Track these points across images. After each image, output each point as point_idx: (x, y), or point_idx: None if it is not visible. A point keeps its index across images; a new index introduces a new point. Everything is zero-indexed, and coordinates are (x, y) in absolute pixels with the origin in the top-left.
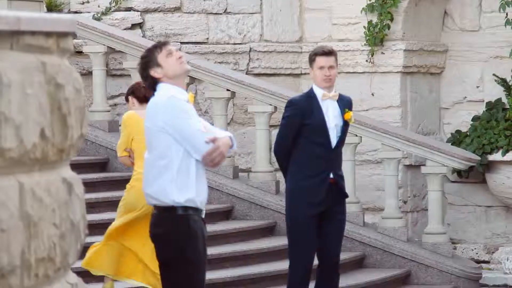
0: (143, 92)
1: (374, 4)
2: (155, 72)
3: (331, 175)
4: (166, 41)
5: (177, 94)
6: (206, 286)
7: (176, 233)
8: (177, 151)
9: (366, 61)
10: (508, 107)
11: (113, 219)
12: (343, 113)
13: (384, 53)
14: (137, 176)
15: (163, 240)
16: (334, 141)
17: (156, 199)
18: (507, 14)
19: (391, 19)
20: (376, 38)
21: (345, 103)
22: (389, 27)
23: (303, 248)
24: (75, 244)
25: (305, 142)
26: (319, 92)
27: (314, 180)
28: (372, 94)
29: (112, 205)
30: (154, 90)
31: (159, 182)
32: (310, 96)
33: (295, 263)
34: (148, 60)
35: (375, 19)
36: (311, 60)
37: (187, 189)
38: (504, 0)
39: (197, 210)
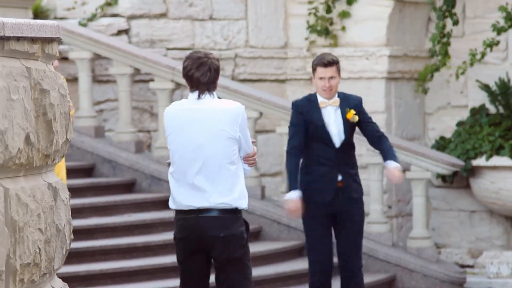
0: None
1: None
2: None
3: (339, 178)
4: None
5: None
6: None
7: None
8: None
9: (306, 50)
10: (492, 112)
11: (99, 225)
12: (345, 113)
13: (368, 59)
14: None
15: (238, 239)
16: (337, 143)
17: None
18: (433, 3)
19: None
20: (320, 26)
21: (349, 104)
22: (330, 9)
23: (314, 249)
24: (61, 249)
25: (311, 144)
26: (319, 99)
27: (320, 182)
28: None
29: (98, 210)
30: None
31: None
32: (310, 100)
33: (310, 264)
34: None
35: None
36: (313, 69)
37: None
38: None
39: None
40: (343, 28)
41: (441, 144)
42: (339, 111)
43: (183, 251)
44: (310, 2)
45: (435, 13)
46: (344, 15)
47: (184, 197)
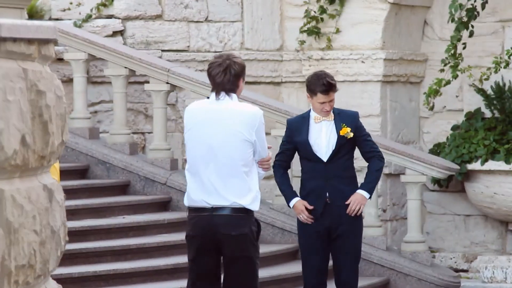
0: None
1: None
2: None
3: (327, 194)
4: None
5: None
6: None
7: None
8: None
9: (296, 50)
10: (487, 116)
11: (93, 226)
12: (339, 128)
13: (364, 62)
14: None
15: (249, 238)
16: (325, 158)
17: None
18: (454, 14)
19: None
20: (311, 28)
21: (344, 119)
22: (324, 11)
23: (306, 263)
24: (56, 251)
25: (303, 159)
26: (313, 115)
27: (311, 197)
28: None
29: (92, 212)
30: None
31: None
32: (304, 117)
33: (304, 277)
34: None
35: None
36: (311, 90)
37: None
38: (457, 2)
39: None
40: (337, 31)
41: (436, 149)
42: (333, 125)
43: (195, 249)
44: (305, 2)
45: (454, 23)
46: (339, 17)
47: (198, 194)
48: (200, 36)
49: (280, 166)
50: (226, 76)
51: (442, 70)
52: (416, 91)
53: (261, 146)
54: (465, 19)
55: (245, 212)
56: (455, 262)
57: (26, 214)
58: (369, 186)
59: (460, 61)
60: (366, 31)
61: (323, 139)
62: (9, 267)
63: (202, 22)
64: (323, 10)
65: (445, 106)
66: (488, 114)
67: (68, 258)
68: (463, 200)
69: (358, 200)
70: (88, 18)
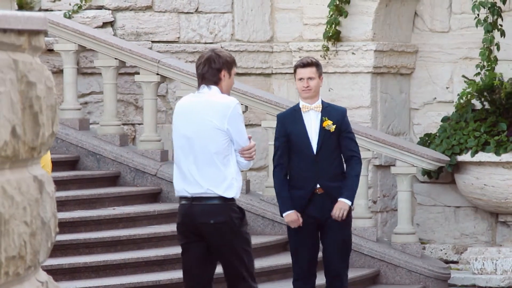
0: None
1: (332, 1)
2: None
3: (318, 185)
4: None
5: None
6: (173, 285)
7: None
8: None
9: (320, 56)
10: (477, 108)
11: (83, 218)
12: (323, 121)
13: (354, 53)
14: None
15: (229, 226)
16: (315, 149)
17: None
18: (478, 14)
19: (345, 15)
20: (328, 33)
21: (330, 113)
22: (338, 23)
23: (295, 254)
24: (46, 242)
25: (293, 154)
26: (301, 103)
27: (300, 191)
28: (329, 90)
29: (82, 203)
30: None
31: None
32: (295, 110)
33: (293, 268)
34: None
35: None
36: (294, 72)
37: None
38: (477, 1)
39: None
40: (337, 21)
41: (426, 140)
42: (319, 118)
43: (181, 235)
44: None
45: (481, 25)
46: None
47: (179, 184)
48: (190, 28)
49: (281, 170)
50: (205, 68)
51: (478, 74)
52: (406, 83)
53: (238, 135)
54: (490, 18)
55: (222, 201)
56: (445, 254)
57: (16, 205)
58: (350, 194)
59: (494, 65)
60: (357, 22)
61: (312, 130)
62: (0, 258)
63: (192, 13)
64: (344, 12)
65: (435, 98)
66: (478, 105)
67: (59, 250)
68: (453, 192)
69: (341, 207)
70: (78, 9)
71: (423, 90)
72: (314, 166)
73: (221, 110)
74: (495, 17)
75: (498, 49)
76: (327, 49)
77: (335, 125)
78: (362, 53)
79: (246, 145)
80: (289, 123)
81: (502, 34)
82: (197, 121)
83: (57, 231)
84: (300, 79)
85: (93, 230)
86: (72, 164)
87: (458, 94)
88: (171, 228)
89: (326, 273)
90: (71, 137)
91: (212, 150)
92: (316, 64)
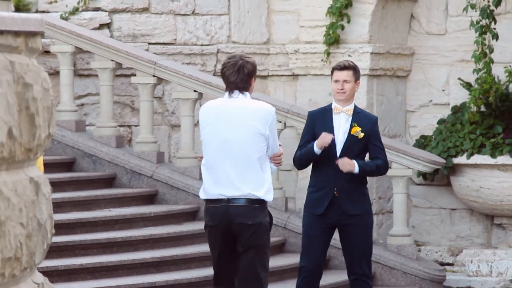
0: None
1: (333, 5)
2: None
3: (336, 188)
4: None
5: None
6: (169, 287)
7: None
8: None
9: (321, 60)
10: (473, 111)
11: (79, 219)
12: (352, 127)
13: (351, 56)
14: None
15: (263, 228)
16: (339, 152)
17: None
18: (471, 17)
19: (348, 20)
20: (331, 38)
21: (361, 120)
22: (342, 28)
23: (305, 255)
24: (42, 244)
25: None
26: (334, 104)
27: (319, 192)
28: (330, 94)
29: (78, 205)
30: None
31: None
32: (326, 109)
33: (299, 266)
34: None
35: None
36: (331, 74)
37: None
38: (469, 3)
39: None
40: (339, 26)
41: (422, 142)
42: (349, 122)
43: (214, 237)
44: None
45: (473, 28)
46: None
47: (214, 188)
48: (187, 29)
49: (300, 164)
50: (240, 75)
51: (477, 80)
52: (402, 85)
53: (273, 141)
54: (481, 20)
55: (259, 203)
56: (441, 256)
57: (12, 207)
58: (363, 165)
59: (488, 68)
60: (353, 25)
61: (339, 132)
62: None
63: (189, 15)
64: (347, 17)
65: (431, 100)
66: (474, 108)
67: (54, 251)
68: (448, 194)
69: (349, 162)
70: (75, 10)
71: (419, 93)
72: (336, 168)
73: (264, 116)
74: (487, 19)
75: (490, 51)
76: (329, 54)
77: (363, 133)
78: (359, 55)
79: (278, 151)
80: (318, 122)
81: (494, 36)
82: (237, 125)
83: (53, 233)
84: (336, 81)
85: (89, 232)
86: (68, 165)
87: (468, 104)
88: (167, 230)
89: (349, 274)
90: (67, 138)
91: (254, 154)
92: (353, 68)
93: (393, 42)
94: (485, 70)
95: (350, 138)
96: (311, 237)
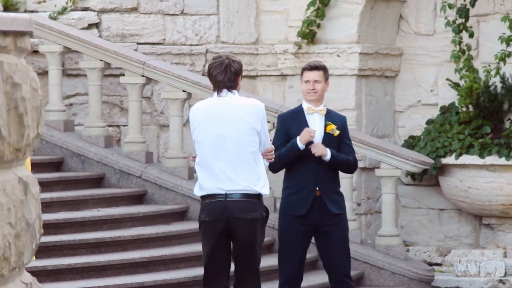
0: None
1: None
2: None
3: (317, 188)
4: None
5: None
6: (158, 287)
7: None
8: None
9: (292, 53)
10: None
11: (67, 219)
12: (326, 125)
13: (339, 56)
14: None
15: (260, 223)
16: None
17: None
18: (446, 16)
19: (321, 18)
20: (304, 32)
21: (333, 119)
22: (318, 26)
23: (285, 257)
24: (31, 244)
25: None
26: (305, 107)
27: (300, 193)
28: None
29: (66, 205)
30: None
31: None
32: (298, 110)
33: (280, 271)
34: None
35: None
36: (301, 74)
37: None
38: (446, 2)
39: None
40: (319, 26)
41: (410, 142)
42: (323, 122)
43: (209, 234)
44: None
45: (450, 27)
46: (318, 13)
47: (210, 183)
48: (176, 29)
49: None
50: (227, 75)
51: (462, 77)
52: (391, 85)
53: (265, 136)
54: (457, 19)
55: (256, 197)
56: (429, 256)
57: (1, 207)
58: (335, 154)
59: (468, 66)
60: (342, 25)
61: (316, 132)
62: None
63: (177, 15)
64: (322, 14)
65: (420, 100)
66: (460, 109)
67: (43, 251)
68: (437, 194)
69: (322, 147)
70: (64, 10)
71: (407, 93)
72: (315, 168)
73: (255, 111)
74: (464, 19)
75: (468, 49)
76: (300, 47)
77: (339, 130)
78: (347, 55)
79: (269, 146)
80: (292, 124)
81: (471, 35)
82: (231, 121)
83: (41, 233)
84: (307, 81)
85: (77, 232)
86: (57, 165)
87: (458, 105)
88: (155, 229)
89: (331, 275)
90: (56, 138)
91: (249, 149)
92: (323, 68)
93: (381, 42)
94: (465, 68)
95: (327, 136)
96: (291, 244)
